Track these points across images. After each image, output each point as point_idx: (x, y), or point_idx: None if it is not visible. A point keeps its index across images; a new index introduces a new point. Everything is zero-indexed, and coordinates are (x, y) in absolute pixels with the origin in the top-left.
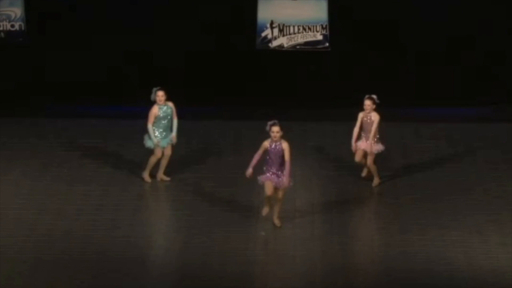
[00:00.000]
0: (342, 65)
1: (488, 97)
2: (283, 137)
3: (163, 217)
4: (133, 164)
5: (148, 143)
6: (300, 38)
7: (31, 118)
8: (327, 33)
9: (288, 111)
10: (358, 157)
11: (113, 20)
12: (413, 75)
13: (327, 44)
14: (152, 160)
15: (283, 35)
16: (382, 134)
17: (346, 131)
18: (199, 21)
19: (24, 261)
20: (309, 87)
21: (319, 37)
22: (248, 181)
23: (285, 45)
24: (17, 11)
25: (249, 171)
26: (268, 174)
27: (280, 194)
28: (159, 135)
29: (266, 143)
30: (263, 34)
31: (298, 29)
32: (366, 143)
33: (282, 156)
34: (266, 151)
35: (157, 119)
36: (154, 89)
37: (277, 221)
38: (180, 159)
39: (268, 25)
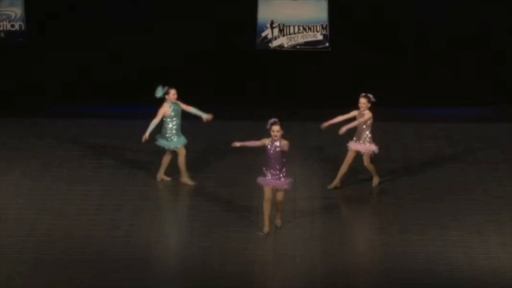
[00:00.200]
0: (342, 65)
1: (488, 97)
2: (283, 136)
3: (163, 217)
4: (133, 164)
5: (161, 142)
6: (300, 38)
7: (31, 118)
8: (327, 33)
9: (288, 111)
10: (349, 159)
11: (113, 20)
12: (413, 75)
13: (327, 44)
14: (165, 160)
15: (283, 35)
16: (376, 134)
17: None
18: (199, 21)
19: (24, 261)
20: (309, 87)
21: (319, 37)
22: (248, 181)
23: (285, 45)
24: (17, 11)
25: (237, 143)
26: (267, 177)
27: (280, 196)
28: (173, 135)
29: (266, 141)
30: (263, 34)
31: (298, 29)
32: (358, 144)
33: (281, 156)
34: (264, 148)
35: (170, 117)
36: (162, 87)
37: (278, 221)
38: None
39: (268, 25)
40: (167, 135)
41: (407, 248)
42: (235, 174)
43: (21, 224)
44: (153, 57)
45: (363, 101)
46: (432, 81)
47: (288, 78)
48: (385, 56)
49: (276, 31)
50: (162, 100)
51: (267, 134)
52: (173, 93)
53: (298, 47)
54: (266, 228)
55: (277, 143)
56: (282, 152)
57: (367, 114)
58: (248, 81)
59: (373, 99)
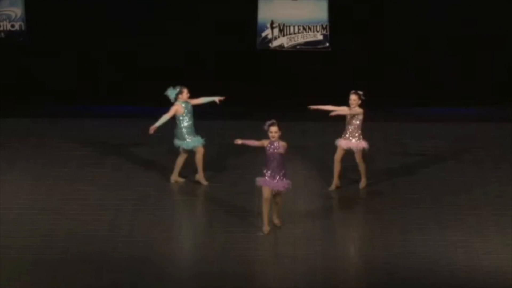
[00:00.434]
0: (342, 65)
1: (488, 97)
2: (281, 137)
3: (163, 217)
4: (134, 164)
5: (178, 143)
6: (301, 38)
7: (31, 118)
8: (328, 33)
9: (288, 111)
10: (338, 156)
11: (113, 20)
12: (413, 75)
13: (327, 44)
14: (179, 161)
15: (284, 35)
16: (376, 134)
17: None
18: (199, 21)
19: (25, 261)
20: (309, 87)
21: (320, 37)
22: (248, 181)
23: (286, 45)
24: (17, 11)
25: (238, 141)
26: (265, 178)
27: (278, 197)
28: (188, 134)
29: (265, 142)
30: (263, 34)
31: (299, 29)
32: (348, 142)
33: (280, 158)
34: (262, 149)
35: (182, 116)
36: (173, 88)
37: (277, 221)
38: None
39: (268, 25)
40: (183, 135)
41: (407, 248)
42: (235, 174)
43: (21, 224)
44: (153, 57)
45: (353, 97)
46: (432, 81)
47: (288, 78)
48: (385, 56)
49: (276, 31)
50: (170, 100)
51: (266, 134)
52: (186, 92)
53: (298, 47)
54: (265, 228)
55: (276, 144)
56: (281, 153)
57: (358, 110)
58: (248, 81)
59: (363, 97)
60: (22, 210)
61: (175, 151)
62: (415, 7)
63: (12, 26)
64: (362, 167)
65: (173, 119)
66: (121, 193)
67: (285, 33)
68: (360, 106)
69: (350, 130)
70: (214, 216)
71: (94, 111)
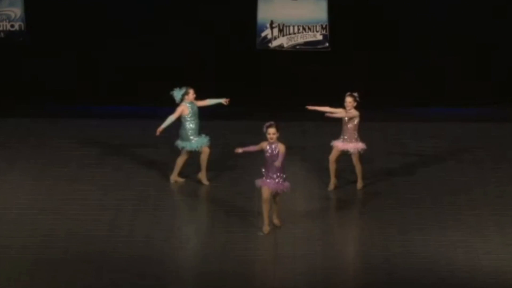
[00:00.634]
0: (342, 65)
1: (488, 97)
2: (279, 139)
3: (163, 217)
4: (133, 164)
5: (182, 144)
6: (300, 38)
7: (31, 118)
8: (327, 33)
9: (288, 111)
10: (333, 156)
11: (113, 20)
12: (413, 75)
13: (327, 44)
14: (179, 161)
15: (283, 35)
16: (376, 134)
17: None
18: (199, 21)
19: (25, 261)
20: (309, 87)
21: (319, 37)
22: (248, 181)
23: (285, 45)
24: (17, 11)
25: (239, 150)
26: (264, 179)
27: (277, 198)
28: (193, 135)
29: (264, 144)
30: (263, 34)
31: (298, 29)
32: (345, 143)
33: (278, 159)
34: (262, 151)
35: (188, 117)
36: (179, 89)
37: (276, 221)
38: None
39: (268, 25)
40: (188, 136)
41: (407, 248)
42: (235, 174)
43: (21, 224)
44: (152, 57)
45: (349, 100)
46: (432, 81)
47: (288, 78)
48: (385, 56)
49: (276, 31)
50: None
51: (265, 135)
52: (192, 92)
53: (298, 47)
54: (265, 228)
55: (274, 146)
56: (279, 155)
57: (354, 113)
58: (247, 81)
59: (358, 99)
60: (22, 210)
61: (175, 151)
62: (415, 7)
63: (12, 26)
64: (358, 169)
65: (178, 120)
66: (121, 193)
67: (284, 33)
68: (356, 108)
69: (347, 132)
70: (214, 216)
71: (94, 111)
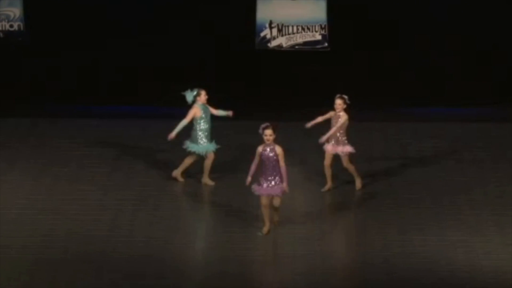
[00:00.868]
0: (341, 65)
1: (488, 97)
2: (276, 140)
3: (163, 217)
4: (133, 164)
5: (191, 146)
6: (299, 38)
7: (31, 118)
8: (326, 33)
9: (287, 111)
10: (327, 161)
11: (113, 20)
12: (413, 75)
13: (326, 44)
14: (187, 161)
15: (282, 35)
16: (375, 134)
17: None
18: (198, 21)
19: (25, 261)
20: (308, 87)
21: (318, 37)
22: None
23: (284, 45)
24: (16, 11)
25: (248, 179)
26: (261, 186)
27: (277, 202)
28: (204, 138)
29: (260, 148)
30: (262, 34)
31: (297, 29)
32: (334, 147)
33: (276, 161)
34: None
35: (200, 119)
36: (191, 91)
37: (276, 218)
38: (180, 159)
39: (267, 25)
40: (197, 139)
41: (407, 248)
42: (235, 175)
43: (21, 224)
44: (152, 57)
45: (338, 102)
46: (432, 81)
47: (287, 78)
48: (384, 56)
49: (275, 31)
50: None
51: (261, 136)
52: (203, 94)
53: (297, 47)
54: (265, 229)
55: (270, 148)
56: (276, 157)
57: (343, 117)
58: (246, 81)
59: (348, 101)
60: (22, 210)
61: (175, 151)
62: (415, 7)
63: (11, 26)
64: (351, 169)
65: (190, 122)
66: (121, 193)
67: (283, 33)
68: (346, 110)
69: (335, 135)
70: (214, 217)
71: (94, 111)
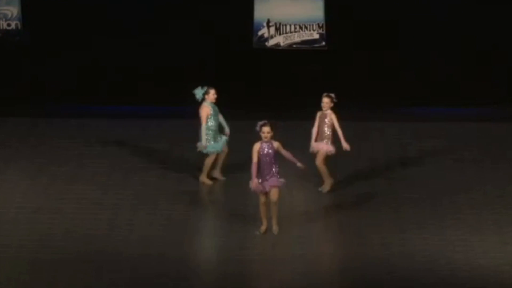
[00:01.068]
0: (338, 64)
1: (488, 97)
2: (273, 138)
3: (161, 217)
4: (131, 163)
5: (202, 148)
6: (297, 37)
7: (31, 118)
8: (324, 32)
9: (287, 111)
10: (318, 160)
11: (113, 20)
12: (413, 75)
13: (323, 43)
14: (208, 162)
15: (280, 34)
16: (375, 134)
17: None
18: (198, 21)
19: (23, 261)
20: (306, 86)
21: (316, 36)
22: (247, 180)
23: (282, 44)
24: (13, 10)
25: (254, 181)
26: (257, 183)
27: (274, 196)
28: (212, 136)
29: (257, 146)
30: (259, 33)
31: (295, 28)
32: (317, 143)
33: (273, 157)
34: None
35: (209, 117)
36: (201, 88)
37: (275, 227)
38: (179, 159)
39: (265, 24)
40: (212, 137)
41: (407, 248)
42: (234, 174)
43: (20, 223)
44: (152, 57)
45: (326, 100)
46: (432, 81)
47: (285, 77)
48: (384, 56)
49: (272, 30)
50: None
51: (258, 133)
52: (212, 92)
53: (294, 46)
54: (263, 228)
55: (268, 144)
56: (274, 153)
57: (331, 115)
58: (244, 80)
59: (335, 99)
60: (20, 209)
61: (175, 151)
62: (415, 7)
63: (9, 25)
64: (322, 170)
65: (197, 119)
66: (120, 193)
67: (281, 32)
68: (333, 108)
69: (320, 132)
70: (213, 216)
71: (94, 111)
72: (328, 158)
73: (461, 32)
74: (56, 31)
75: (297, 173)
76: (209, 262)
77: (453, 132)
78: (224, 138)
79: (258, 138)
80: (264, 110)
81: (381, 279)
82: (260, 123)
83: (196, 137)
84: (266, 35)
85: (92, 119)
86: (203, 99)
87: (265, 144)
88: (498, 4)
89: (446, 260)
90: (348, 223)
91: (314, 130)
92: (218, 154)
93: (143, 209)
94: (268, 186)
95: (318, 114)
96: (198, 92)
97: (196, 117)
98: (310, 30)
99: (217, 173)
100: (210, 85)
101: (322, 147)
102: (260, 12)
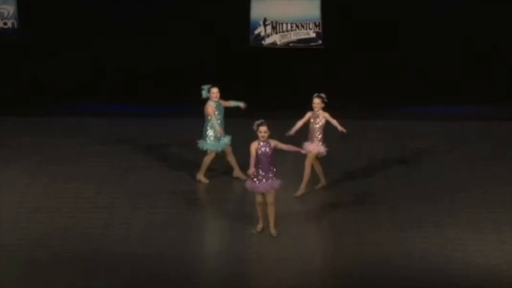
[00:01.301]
0: (334, 62)
1: (488, 96)
2: (270, 136)
3: (160, 216)
4: (130, 163)
5: (204, 146)
6: (293, 36)
7: (30, 117)
8: (320, 30)
9: (287, 111)
10: (311, 159)
11: (113, 20)
12: (413, 75)
13: (320, 42)
14: (207, 160)
15: (276, 33)
16: (375, 134)
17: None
18: (198, 21)
19: (21, 260)
20: (308, 87)
21: (312, 34)
22: (245, 179)
23: (278, 43)
24: (10, 9)
25: (252, 170)
26: (254, 182)
27: (271, 197)
28: (214, 134)
29: (255, 145)
30: (256, 32)
31: (291, 27)
32: (308, 144)
33: (271, 156)
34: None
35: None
36: (206, 86)
37: (273, 231)
38: (177, 158)
39: (261, 23)
40: (207, 134)
41: (405, 247)
42: (232, 173)
43: (17, 222)
44: (152, 57)
45: (317, 101)
46: (432, 81)
47: (287, 78)
48: (384, 56)
49: (269, 28)
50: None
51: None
52: (216, 91)
53: (291, 44)
54: (259, 226)
55: (266, 144)
56: (271, 152)
57: (322, 115)
58: (240, 79)
59: (326, 100)
60: (18, 208)
61: (174, 151)
62: (415, 7)
63: (5, 24)
64: (307, 172)
65: (202, 117)
66: (119, 192)
67: (278, 30)
68: (324, 109)
69: (313, 133)
70: (212, 216)
71: (94, 111)
72: (317, 159)
73: (461, 32)
74: (56, 31)
75: (296, 173)
76: (207, 261)
77: (453, 131)
78: (227, 138)
79: (255, 137)
80: (265, 110)
81: (379, 278)
82: (257, 122)
83: (196, 136)
84: (262, 33)
85: (91, 118)
86: (208, 98)
87: (262, 143)
88: (498, 4)
89: (444, 258)
90: (347, 222)
91: (299, 123)
92: (226, 155)
93: (141, 208)
94: (265, 187)
95: (309, 114)
96: (204, 90)
97: (196, 116)
98: (306, 29)
99: (238, 173)
100: (210, 84)
101: (314, 148)
102: (257, 11)
